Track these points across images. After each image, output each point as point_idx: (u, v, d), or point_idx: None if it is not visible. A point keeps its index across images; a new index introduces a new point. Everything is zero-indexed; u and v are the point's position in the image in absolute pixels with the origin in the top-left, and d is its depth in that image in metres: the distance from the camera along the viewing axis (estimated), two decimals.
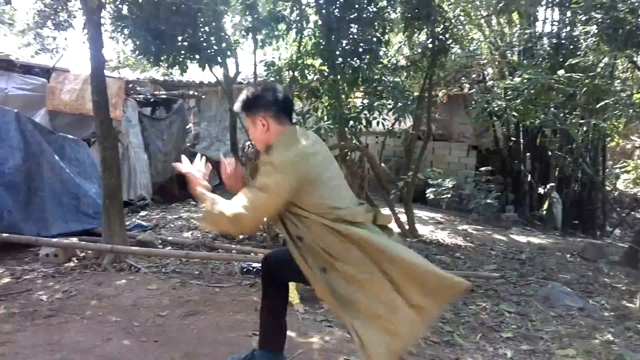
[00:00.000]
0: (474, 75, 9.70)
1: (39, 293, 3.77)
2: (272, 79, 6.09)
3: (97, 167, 5.85)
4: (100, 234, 4.95)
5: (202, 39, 6.00)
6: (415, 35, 6.37)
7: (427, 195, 9.49)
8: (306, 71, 5.82)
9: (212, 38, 5.95)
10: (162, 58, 5.90)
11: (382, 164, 6.79)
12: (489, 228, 8.25)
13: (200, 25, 5.90)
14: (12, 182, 5.05)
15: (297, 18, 5.90)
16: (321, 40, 5.75)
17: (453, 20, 6.51)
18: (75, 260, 4.63)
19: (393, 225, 6.52)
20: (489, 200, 8.93)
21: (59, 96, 7.68)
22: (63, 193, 5.50)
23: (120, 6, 6.06)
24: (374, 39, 5.69)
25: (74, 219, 5.49)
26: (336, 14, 5.56)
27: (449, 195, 9.18)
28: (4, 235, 4.63)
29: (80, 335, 2.95)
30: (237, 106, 2.24)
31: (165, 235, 5.83)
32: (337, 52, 5.58)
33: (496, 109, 6.27)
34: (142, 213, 7.55)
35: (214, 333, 3.07)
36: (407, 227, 6.65)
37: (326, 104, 5.72)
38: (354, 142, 5.76)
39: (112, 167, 4.71)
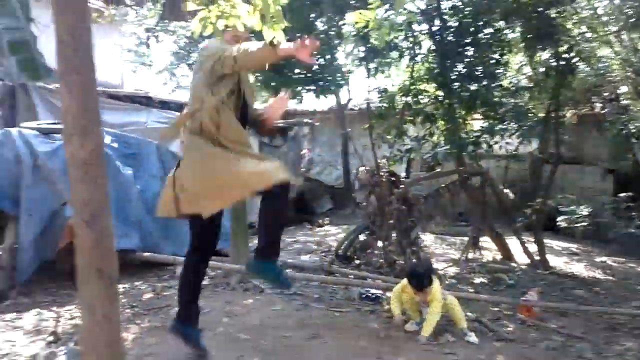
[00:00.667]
0: (605, 94, 8.89)
1: (177, 309, 4.10)
2: (385, 105, 6.16)
3: None
4: (227, 255, 5.27)
5: (317, 71, 6.29)
6: (538, 55, 6.03)
7: (559, 223, 8.77)
8: (420, 96, 5.79)
9: (327, 69, 6.21)
10: (282, 90, 6.26)
11: (506, 190, 6.43)
12: (633, 260, 7.39)
13: (317, 57, 6.19)
14: (154, 207, 5.58)
15: (410, 45, 5.93)
16: (435, 65, 5.70)
17: (578, 38, 6.07)
18: (207, 279, 4.98)
19: (521, 256, 6.19)
20: (631, 230, 8.01)
21: None
22: None
23: None
24: (492, 61, 5.51)
25: None
26: (450, 39, 5.49)
27: (584, 224, 8.39)
28: (146, 254, 5.13)
29: (214, 350, 3.13)
30: None
31: (284, 258, 6.05)
32: (453, 77, 5.48)
33: (633, 130, 5.68)
34: None
35: (340, 358, 3.10)
36: (537, 257, 6.17)
37: (442, 128, 5.62)
38: (474, 166, 5.56)
39: None
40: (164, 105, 9.07)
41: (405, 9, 2.55)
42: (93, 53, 1.44)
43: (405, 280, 3.69)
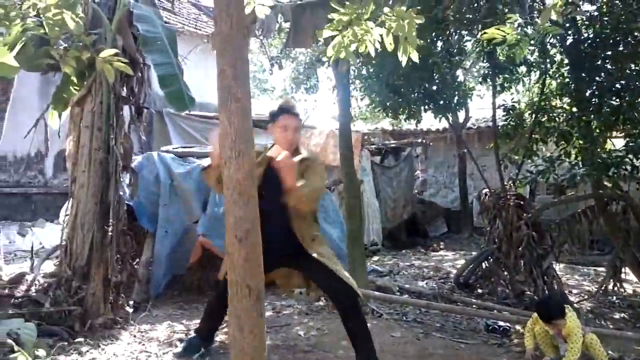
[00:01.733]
0: None
1: (297, 328, 4.15)
2: (511, 123, 5.83)
3: (338, 213, 6.32)
4: None
5: (437, 89, 6.15)
6: None
7: None
8: (553, 114, 5.38)
9: (447, 88, 6.04)
10: (399, 111, 6.21)
11: None
12: None
13: (436, 76, 6.06)
14: None
15: (540, 60, 5.58)
16: (568, 80, 5.28)
17: None
18: (324, 300, 5.01)
19: None
20: None
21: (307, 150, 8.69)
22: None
23: (361, 68, 6.65)
24: (634, 74, 4.98)
25: None
26: (586, 51, 5.06)
27: None
28: None
29: None
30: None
31: (400, 282, 5.92)
32: (590, 92, 5.04)
33: None
34: (375, 258, 7.86)
35: None
36: None
37: (579, 147, 5.16)
38: (614, 190, 5.02)
39: (355, 214, 5.06)
40: None
41: (547, 22, 2.38)
42: (249, 82, 1.51)
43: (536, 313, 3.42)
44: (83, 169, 3.77)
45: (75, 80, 3.94)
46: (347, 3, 2.62)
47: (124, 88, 4.12)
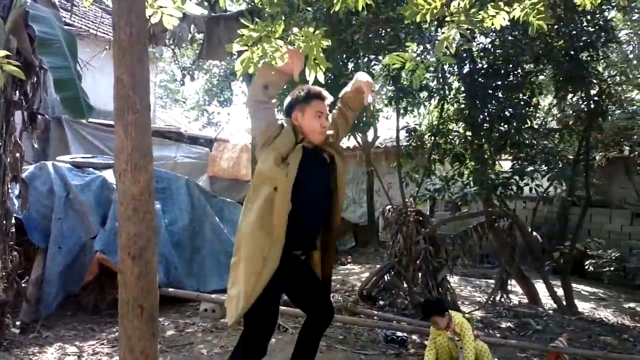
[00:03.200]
0: (635, 137, 8.79)
1: (200, 347, 4.06)
2: (413, 144, 6.18)
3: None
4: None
5: None
6: (570, 97, 6.03)
7: (586, 267, 8.54)
8: (449, 136, 5.80)
9: None
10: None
11: (534, 232, 6.30)
12: None
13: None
14: (180, 241, 5.64)
15: (440, 86, 5.99)
16: (464, 106, 5.72)
17: (609, 81, 6.05)
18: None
19: (548, 300, 6.03)
20: None
21: (219, 163, 8.60)
22: (221, 252, 5.97)
23: None
24: (521, 103, 5.51)
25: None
26: (480, 80, 5.53)
27: (611, 269, 8.15)
28: (170, 290, 5.11)
29: None
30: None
31: None
32: (482, 117, 5.49)
33: None
34: None
35: None
36: (564, 302, 6.00)
37: (471, 169, 5.59)
38: (502, 208, 5.49)
39: None
40: (194, 140, 9.29)
41: (441, 52, 2.60)
42: (149, 93, 1.49)
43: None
44: None
45: None
46: (258, 20, 2.66)
47: (17, 92, 3.85)
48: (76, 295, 4.94)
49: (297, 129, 2.47)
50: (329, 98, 2.56)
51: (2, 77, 2.95)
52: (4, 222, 3.69)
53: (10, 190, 3.89)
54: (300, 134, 2.46)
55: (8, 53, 3.02)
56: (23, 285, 4.20)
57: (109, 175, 5.33)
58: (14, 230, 3.90)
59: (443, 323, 3.49)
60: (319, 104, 2.49)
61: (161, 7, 2.58)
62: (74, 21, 9.11)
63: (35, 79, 3.92)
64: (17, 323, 4.11)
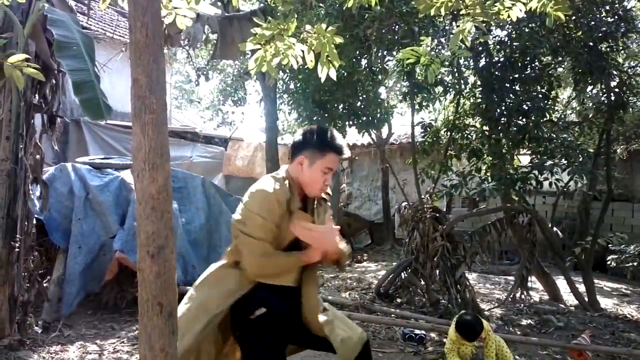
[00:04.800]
0: None
1: None
2: (429, 140, 6.14)
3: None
4: None
5: (361, 106, 6.36)
6: (589, 89, 5.92)
7: (609, 262, 8.39)
8: (466, 131, 5.74)
9: (370, 105, 6.27)
10: (325, 125, 6.35)
11: (554, 228, 6.21)
12: None
13: (360, 93, 6.27)
14: (197, 240, 5.67)
15: (455, 81, 5.94)
16: (481, 100, 5.66)
17: (630, 72, 5.93)
18: None
19: (570, 297, 5.94)
20: None
21: (234, 162, 8.64)
22: None
23: (288, 82, 6.75)
24: (540, 96, 5.43)
25: None
26: (497, 74, 5.46)
27: (634, 264, 7.99)
28: (189, 288, 5.15)
29: None
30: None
31: (324, 294, 5.98)
32: (499, 111, 5.42)
33: None
34: None
35: None
36: (586, 298, 5.90)
37: (489, 164, 5.52)
38: (521, 203, 5.41)
39: None
40: (209, 140, 9.35)
41: (456, 46, 2.56)
42: (166, 93, 1.50)
43: (453, 331, 3.52)
44: None
45: None
46: (270, 19, 2.67)
47: (36, 95, 3.91)
48: (96, 294, 5.00)
49: (294, 176, 2.13)
50: (347, 154, 2.18)
51: (22, 80, 3.00)
52: (26, 223, 3.76)
53: (31, 192, 3.96)
54: (296, 182, 2.12)
55: (27, 56, 3.07)
56: (44, 285, 4.28)
57: (127, 175, 5.39)
58: (35, 230, 3.97)
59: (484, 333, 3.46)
60: (333, 160, 2.12)
61: (175, 7, 2.60)
62: (90, 24, 9.22)
63: (54, 81, 3.98)
64: (39, 322, 4.17)
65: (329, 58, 2.56)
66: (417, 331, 4.33)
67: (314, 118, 6.40)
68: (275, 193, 2.04)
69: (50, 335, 4.11)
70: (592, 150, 6.01)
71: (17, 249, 3.62)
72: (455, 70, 5.79)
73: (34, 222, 3.98)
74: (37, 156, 3.88)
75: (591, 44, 5.19)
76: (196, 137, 9.21)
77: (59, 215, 4.96)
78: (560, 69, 6.07)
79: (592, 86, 5.85)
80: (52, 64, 3.84)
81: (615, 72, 5.51)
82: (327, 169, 2.10)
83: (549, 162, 4.80)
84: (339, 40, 2.56)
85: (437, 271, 5.20)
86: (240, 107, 8.86)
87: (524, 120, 5.28)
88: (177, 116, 12.89)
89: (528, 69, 5.40)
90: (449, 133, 5.90)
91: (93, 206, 5.09)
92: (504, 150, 5.29)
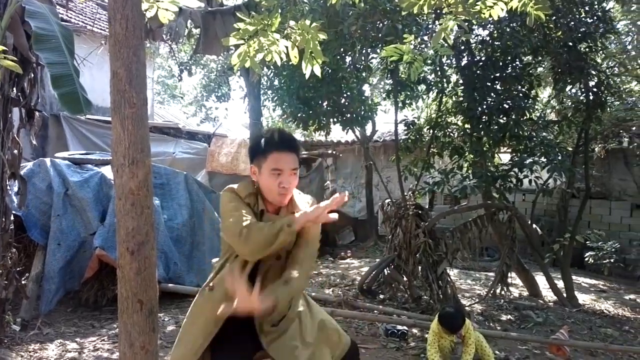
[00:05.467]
0: (634, 128, 8.81)
1: None
2: (412, 137, 6.18)
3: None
4: None
5: (345, 103, 6.36)
6: (569, 88, 6.02)
7: (586, 259, 8.56)
8: (448, 129, 5.79)
9: (355, 102, 6.28)
10: (309, 122, 6.34)
11: (534, 225, 6.31)
12: None
13: (344, 90, 6.27)
14: (179, 237, 5.63)
15: (438, 79, 5.98)
16: (463, 99, 5.72)
17: (608, 72, 6.04)
18: None
19: (548, 292, 6.05)
20: None
21: (217, 159, 8.58)
22: (220, 247, 5.95)
23: (273, 78, 6.72)
24: (520, 95, 5.51)
25: None
26: (478, 73, 5.52)
27: (611, 260, 8.17)
28: (170, 285, 5.11)
29: None
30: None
31: (307, 290, 5.99)
32: (481, 110, 5.48)
33: None
34: None
35: None
36: (564, 294, 6.02)
37: (470, 162, 5.58)
38: (502, 200, 5.49)
39: None
40: (192, 136, 9.27)
41: (438, 44, 2.58)
42: (146, 87, 1.48)
43: (435, 323, 3.59)
44: None
45: None
46: (254, 14, 2.65)
47: (14, 89, 3.83)
48: (76, 291, 4.94)
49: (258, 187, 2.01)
50: (296, 149, 1.99)
51: None
52: (3, 219, 3.68)
53: (9, 187, 3.88)
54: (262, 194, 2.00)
55: (5, 49, 3.00)
56: (23, 282, 4.20)
57: (107, 171, 5.31)
58: (13, 227, 3.89)
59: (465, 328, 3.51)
60: (276, 158, 1.92)
61: (157, 1, 2.57)
62: (70, 17, 9.07)
63: (32, 75, 3.90)
64: (18, 320, 4.11)
65: (313, 54, 2.56)
66: (399, 327, 4.36)
67: (298, 115, 6.39)
68: (236, 189, 1.98)
69: (28, 334, 4.06)
70: (570, 149, 6.13)
71: None
72: (437, 68, 5.84)
73: (12, 218, 3.90)
74: (15, 151, 3.79)
75: (571, 44, 5.28)
76: (179, 133, 9.13)
77: (38, 212, 4.88)
78: (540, 69, 6.16)
79: (571, 85, 5.95)
80: (31, 56, 3.75)
81: (593, 72, 5.62)
82: (274, 170, 1.92)
83: (529, 160, 4.88)
84: (322, 36, 2.56)
85: (419, 267, 5.25)
86: (224, 103, 8.83)
87: (504, 118, 5.34)
88: (160, 112, 12.76)
89: (509, 68, 5.46)
90: (431, 131, 5.95)
91: (73, 202, 5.01)
92: (485, 148, 5.35)
